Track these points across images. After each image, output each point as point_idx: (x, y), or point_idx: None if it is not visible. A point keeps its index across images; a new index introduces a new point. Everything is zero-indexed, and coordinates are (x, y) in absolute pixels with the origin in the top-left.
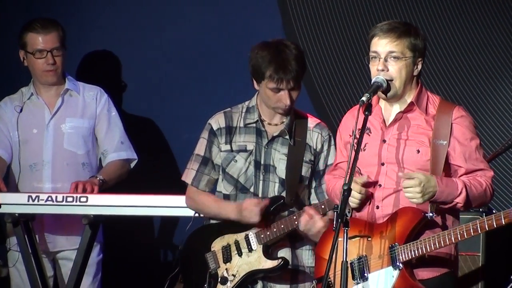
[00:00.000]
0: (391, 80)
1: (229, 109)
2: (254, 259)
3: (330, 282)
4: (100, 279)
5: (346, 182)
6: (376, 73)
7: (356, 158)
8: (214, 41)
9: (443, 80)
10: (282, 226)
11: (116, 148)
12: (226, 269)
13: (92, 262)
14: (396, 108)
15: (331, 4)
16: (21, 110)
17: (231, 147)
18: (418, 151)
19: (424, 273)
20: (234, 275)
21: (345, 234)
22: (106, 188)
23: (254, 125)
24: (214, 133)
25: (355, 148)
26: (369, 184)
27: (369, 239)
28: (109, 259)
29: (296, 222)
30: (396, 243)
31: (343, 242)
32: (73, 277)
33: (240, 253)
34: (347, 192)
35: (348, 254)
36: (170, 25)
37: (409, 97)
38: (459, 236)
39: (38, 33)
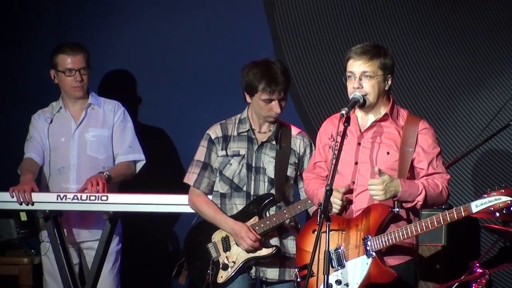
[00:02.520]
0: (366, 95)
1: (224, 121)
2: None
3: (312, 271)
4: (119, 266)
5: (328, 183)
6: (352, 90)
7: (336, 164)
8: (215, 60)
9: (411, 96)
10: (274, 219)
11: (125, 152)
12: (226, 257)
13: (112, 251)
14: (372, 117)
15: (316, 26)
16: (51, 121)
17: (227, 152)
18: (388, 153)
19: (391, 260)
20: (234, 262)
21: (327, 228)
22: (111, 183)
23: (246, 133)
24: (212, 141)
25: (336, 155)
26: (347, 188)
27: (343, 232)
28: (126, 249)
29: (286, 215)
30: (368, 235)
31: (325, 235)
32: (95, 264)
33: (238, 243)
34: (329, 192)
35: (327, 245)
36: (178, 48)
37: (384, 109)
38: (424, 227)
39: (68, 55)
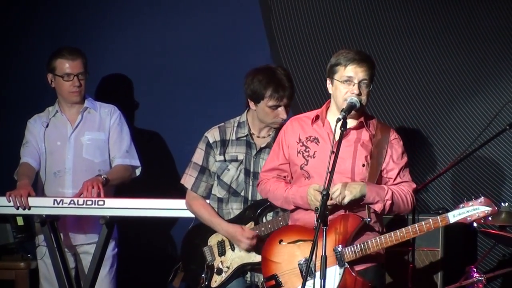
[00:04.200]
0: (361, 102)
1: (222, 124)
2: (245, 254)
3: (279, 282)
4: (116, 270)
5: (325, 188)
6: (350, 95)
7: (333, 169)
8: (211, 65)
9: (407, 101)
10: (269, 225)
11: (122, 155)
12: (221, 261)
13: (108, 256)
14: (352, 123)
15: (312, 29)
16: (47, 126)
17: (225, 157)
18: (363, 165)
19: (357, 266)
20: (228, 267)
21: (324, 233)
22: (108, 185)
23: (245, 138)
24: (210, 145)
25: (333, 159)
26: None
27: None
28: (122, 253)
29: (281, 223)
30: (339, 245)
31: (322, 240)
32: (92, 268)
33: (233, 248)
34: (325, 197)
35: (295, 257)
36: (174, 52)
37: (358, 117)
38: (399, 237)
39: (66, 59)
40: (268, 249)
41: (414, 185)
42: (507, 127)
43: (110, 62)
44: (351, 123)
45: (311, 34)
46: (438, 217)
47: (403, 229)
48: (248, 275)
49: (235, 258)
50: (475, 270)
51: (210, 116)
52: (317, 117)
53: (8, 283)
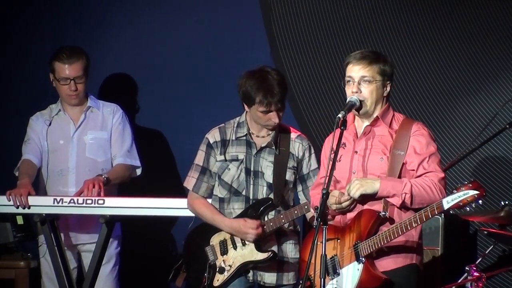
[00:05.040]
0: (363, 100)
1: (223, 124)
2: (247, 252)
3: (311, 279)
4: (118, 269)
5: (325, 187)
6: (351, 95)
7: (333, 168)
8: (211, 65)
9: (408, 100)
10: (271, 223)
11: (123, 155)
12: (223, 260)
13: (111, 254)
14: (366, 123)
15: (312, 29)
16: (50, 124)
17: (225, 157)
18: (382, 159)
19: (387, 264)
20: (230, 266)
21: (324, 232)
22: (109, 185)
23: (245, 138)
24: (211, 146)
25: (332, 159)
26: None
27: (338, 240)
28: (123, 252)
29: (283, 220)
30: (358, 241)
31: (323, 240)
32: (92, 267)
33: (235, 247)
34: (325, 196)
35: (323, 250)
36: (175, 52)
37: (372, 113)
38: (403, 228)
39: (64, 63)
40: (304, 250)
41: (442, 175)
42: (507, 126)
43: (111, 62)
44: (369, 121)
45: (311, 34)
46: (434, 204)
47: (406, 219)
48: (251, 273)
49: (237, 256)
50: (475, 268)
51: (211, 115)
52: (345, 121)
53: (8, 282)
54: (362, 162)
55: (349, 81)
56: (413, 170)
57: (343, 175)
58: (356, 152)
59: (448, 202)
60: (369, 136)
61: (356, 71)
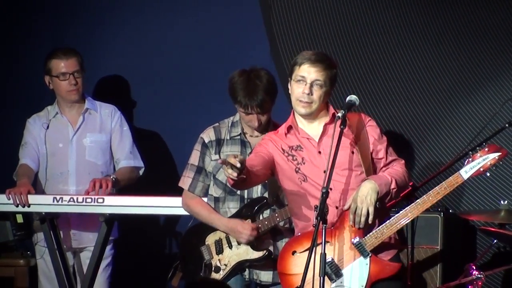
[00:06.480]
0: (311, 103)
1: (217, 124)
2: (242, 251)
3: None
4: (111, 269)
5: (324, 186)
6: (301, 95)
7: (333, 166)
8: (211, 65)
9: (407, 99)
10: (266, 222)
11: (126, 157)
12: (219, 259)
13: (106, 254)
14: (316, 124)
15: (312, 27)
16: (47, 127)
17: (220, 156)
18: (353, 152)
19: (383, 256)
20: (225, 265)
21: (323, 230)
22: (118, 187)
23: (239, 137)
24: (206, 145)
25: (332, 157)
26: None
27: (329, 243)
28: (121, 251)
29: (278, 219)
30: (356, 237)
31: (322, 242)
32: (91, 266)
33: (230, 246)
34: (325, 195)
35: (316, 262)
36: (173, 51)
37: (325, 113)
38: (407, 218)
39: (61, 59)
40: (283, 264)
41: (403, 160)
42: (507, 125)
43: (110, 62)
44: (320, 121)
45: (311, 33)
46: (451, 177)
47: (419, 199)
48: (247, 272)
49: (232, 255)
50: (474, 267)
51: (210, 115)
52: (289, 127)
53: (8, 280)
54: (333, 159)
55: (300, 80)
56: (382, 158)
57: (316, 177)
58: (320, 152)
59: (467, 171)
60: (329, 135)
61: (311, 72)
